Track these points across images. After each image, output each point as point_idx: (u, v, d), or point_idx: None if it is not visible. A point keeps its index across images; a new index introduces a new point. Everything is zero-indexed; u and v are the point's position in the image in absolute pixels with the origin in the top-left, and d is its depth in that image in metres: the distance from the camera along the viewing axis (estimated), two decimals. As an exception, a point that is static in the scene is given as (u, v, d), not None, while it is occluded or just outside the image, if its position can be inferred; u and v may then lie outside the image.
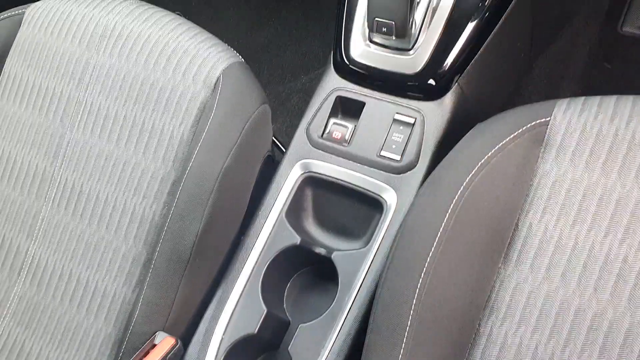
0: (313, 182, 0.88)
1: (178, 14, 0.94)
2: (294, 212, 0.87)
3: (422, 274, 0.66)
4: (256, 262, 0.84)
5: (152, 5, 0.94)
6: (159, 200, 0.84)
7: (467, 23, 0.87)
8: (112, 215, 0.85)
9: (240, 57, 0.90)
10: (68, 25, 0.93)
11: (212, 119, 0.82)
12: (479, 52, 0.89)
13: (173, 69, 0.86)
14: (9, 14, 0.98)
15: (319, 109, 0.90)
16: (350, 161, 0.86)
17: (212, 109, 0.83)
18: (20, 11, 0.97)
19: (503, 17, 0.90)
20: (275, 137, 1.01)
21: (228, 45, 0.91)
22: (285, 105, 1.51)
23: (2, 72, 0.95)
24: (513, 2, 0.91)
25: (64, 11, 0.94)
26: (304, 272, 0.89)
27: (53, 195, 0.89)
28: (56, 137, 0.90)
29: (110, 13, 0.92)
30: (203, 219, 0.80)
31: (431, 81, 0.87)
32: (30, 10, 0.96)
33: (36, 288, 0.87)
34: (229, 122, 0.83)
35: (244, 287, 0.83)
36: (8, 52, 0.95)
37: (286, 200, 0.86)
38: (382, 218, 0.83)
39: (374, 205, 0.85)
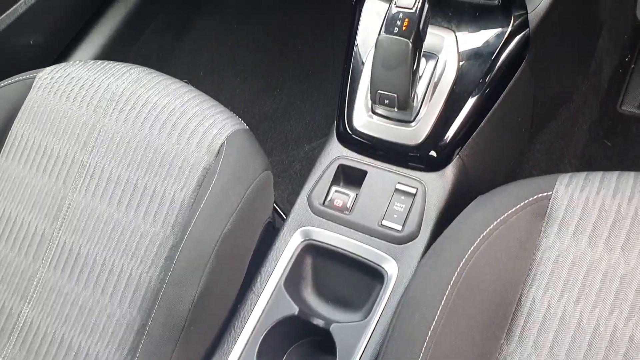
0: (313, 250, 0.88)
1: (186, 82, 0.96)
2: (292, 280, 0.86)
3: (423, 349, 0.65)
4: (252, 332, 0.82)
5: (160, 73, 0.97)
6: (156, 265, 0.83)
7: (468, 98, 0.88)
8: (108, 279, 0.84)
9: (245, 124, 0.91)
10: (77, 89, 0.94)
11: (213, 184, 0.83)
12: (480, 126, 0.91)
13: (178, 134, 0.87)
14: (21, 77, 1.00)
15: (321, 176, 0.91)
16: (351, 230, 0.86)
17: (214, 175, 0.83)
18: (31, 75, 0.99)
19: (504, 93, 0.92)
20: (276, 204, 1.01)
21: (234, 113, 0.93)
22: (288, 173, 1.52)
23: (10, 133, 0.96)
24: (513, 79, 0.93)
25: (74, 76, 0.96)
26: (302, 344, 0.87)
27: (50, 257, 0.88)
28: (57, 199, 0.90)
29: (120, 79, 0.94)
30: (200, 286, 0.78)
31: (433, 153, 0.87)
32: (41, 74, 0.98)
33: (25, 353, 0.85)
34: (230, 188, 0.83)
35: (239, 358, 0.81)
36: (17, 114, 0.97)
37: (285, 269, 0.85)
38: (382, 289, 0.81)
39: (375, 275, 0.84)
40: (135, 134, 0.89)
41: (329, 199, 0.89)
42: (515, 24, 0.90)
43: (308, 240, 0.87)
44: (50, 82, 0.97)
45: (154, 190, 0.85)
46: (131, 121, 0.90)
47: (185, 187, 0.85)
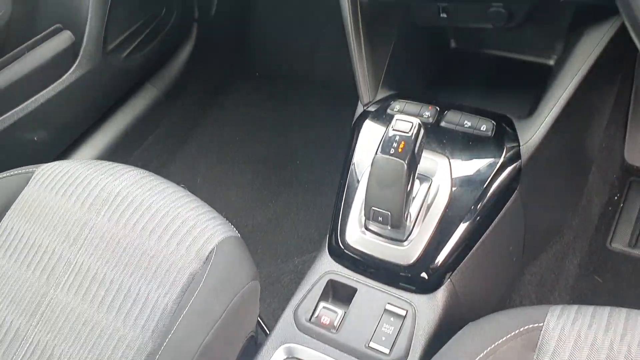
0: (295, 369, 0.84)
1: (182, 187, 0.97)
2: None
3: None
4: None
5: (158, 177, 0.98)
6: (131, 372, 0.79)
7: (460, 223, 0.89)
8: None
9: (237, 232, 0.91)
10: (74, 187, 0.95)
11: (198, 291, 0.81)
12: (471, 252, 0.91)
13: (168, 238, 0.87)
14: (20, 171, 1.01)
15: (309, 290, 0.89)
16: (337, 350, 0.83)
17: (200, 282, 0.82)
18: (31, 170, 1.00)
19: (495, 222, 0.93)
20: (260, 318, 0.99)
21: (227, 221, 0.93)
22: (275, 286, 1.50)
23: (0, 225, 0.96)
24: (504, 208, 0.94)
25: (72, 174, 0.97)
26: None
27: (21, 356, 0.84)
28: (38, 295, 0.87)
29: (118, 180, 0.95)
30: (174, 398, 0.74)
31: (424, 275, 0.87)
32: (40, 169, 0.99)
33: None
34: (215, 296, 0.81)
35: None
36: (10, 207, 0.97)
37: (264, 387, 0.82)
38: None
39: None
40: (126, 235, 0.88)
41: (316, 315, 0.87)
42: (507, 155, 0.93)
43: (291, 358, 0.84)
44: (48, 177, 0.97)
45: (138, 293, 0.83)
46: (123, 221, 0.90)
47: (170, 293, 0.83)
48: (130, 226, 0.89)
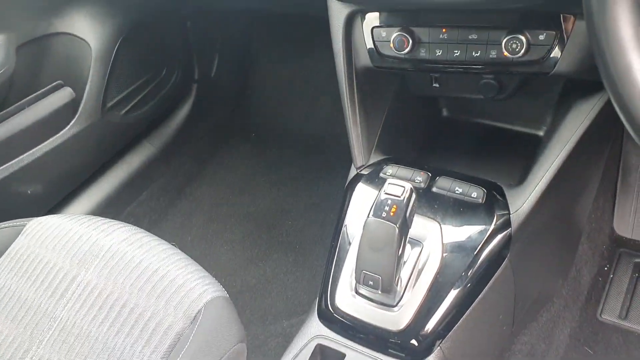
0: None
1: (173, 244, 0.97)
2: None
3: None
4: None
5: (149, 234, 0.98)
6: None
7: (451, 289, 0.89)
8: None
9: (226, 292, 0.91)
10: (65, 241, 0.95)
11: (184, 352, 0.80)
12: (462, 319, 0.90)
13: (157, 295, 0.86)
14: (10, 224, 1.00)
15: (297, 354, 0.88)
16: (323, 417, 0.81)
17: (187, 342, 0.81)
18: (22, 223, 1.00)
19: (485, 289, 0.93)
20: (247, 381, 0.97)
21: (216, 280, 0.92)
22: (262, 349, 1.47)
23: (-14, 277, 0.95)
24: (495, 276, 0.94)
25: (63, 228, 0.97)
26: None
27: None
28: (20, 351, 0.85)
29: (109, 236, 0.95)
30: None
31: (413, 341, 0.86)
32: (32, 223, 0.99)
33: None
34: (201, 357, 0.80)
35: None
36: None
37: None
38: None
39: None
40: (114, 291, 0.87)
41: (303, 379, 0.86)
42: (497, 223, 0.94)
43: None
44: (39, 231, 0.97)
45: (122, 351, 0.82)
46: (113, 278, 0.89)
47: (156, 352, 0.81)
48: (119, 282, 0.88)
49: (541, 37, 0.86)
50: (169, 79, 1.79)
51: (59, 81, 1.45)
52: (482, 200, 0.96)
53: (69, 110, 1.46)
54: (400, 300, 0.88)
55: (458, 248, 0.92)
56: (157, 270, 0.89)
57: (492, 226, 0.93)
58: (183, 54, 1.86)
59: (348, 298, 0.90)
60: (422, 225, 0.93)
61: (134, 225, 1.00)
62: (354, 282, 0.90)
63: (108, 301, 0.87)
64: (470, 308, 0.91)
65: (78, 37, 1.47)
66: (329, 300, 0.91)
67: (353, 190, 1.03)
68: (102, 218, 1.01)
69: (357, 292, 0.90)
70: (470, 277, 0.90)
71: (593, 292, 1.40)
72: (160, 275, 0.88)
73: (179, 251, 0.95)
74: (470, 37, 0.89)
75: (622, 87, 0.58)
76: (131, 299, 0.86)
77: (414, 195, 0.83)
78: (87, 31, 1.47)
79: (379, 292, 0.86)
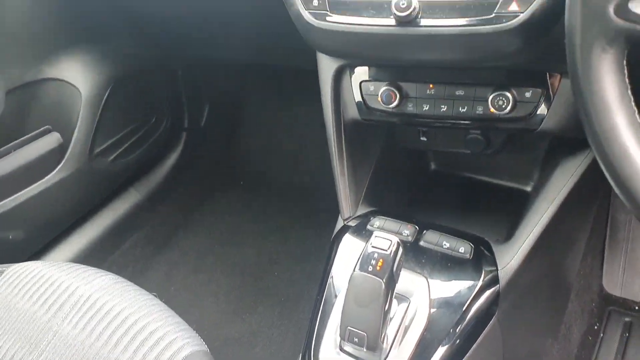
0: None
1: (154, 295, 0.95)
2: None
3: None
4: None
5: (131, 283, 0.95)
6: None
7: (438, 346, 0.87)
8: None
9: (206, 346, 0.88)
10: (43, 289, 0.92)
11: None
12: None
13: (135, 349, 0.83)
14: (-11, 270, 0.98)
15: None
16: None
17: None
18: (1, 269, 0.97)
19: (473, 347, 0.91)
20: None
21: (198, 333, 0.90)
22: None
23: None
24: (483, 333, 0.93)
25: (43, 275, 0.94)
26: None
27: None
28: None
29: (89, 284, 0.92)
30: None
31: (399, 402, 0.83)
32: (10, 269, 0.96)
33: None
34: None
35: None
36: None
37: None
38: None
39: None
40: (92, 344, 0.84)
41: None
42: (485, 279, 0.92)
43: None
44: (17, 278, 0.94)
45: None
46: (89, 329, 0.86)
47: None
48: (96, 334, 0.85)
49: (527, 95, 0.87)
50: (158, 127, 1.79)
51: (47, 126, 1.45)
52: (470, 255, 0.95)
53: (55, 155, 1.45)
54: (386, 358, 0.85)
55: (445, 304, 0.90)
56: (136, 321, 0.86)
57: (480, 282, 0.92)
58: (173, 102, 1.88)
59: (332, 355, 0.88)
60: (409, 280, 0.92)
61: (117, 274, 0.98)
62: (338, 338, 0.88)
63: (85, 354, 0.84)
64: (459, 366, 0.89)
65: (69, 82, 1.47)
66: (312, 358, 0.89)
67: (340, 242, 1.02)
68: (83, 266, 0.99)
69: (341, 349, 0.88)
70: (458, 334, 0.88)
71: (583, 351, 1.38)
72: (139, 327, 0.85)
73: (160, 302, 0.93)
74: (457, 93, 0.90)
75: (607, 147, 0.58)
76: (108, 353, 0.83)
77: (401, 249, 0.82)
78: (78, 77, 1.48)
79: (364, 350, 0.83)
